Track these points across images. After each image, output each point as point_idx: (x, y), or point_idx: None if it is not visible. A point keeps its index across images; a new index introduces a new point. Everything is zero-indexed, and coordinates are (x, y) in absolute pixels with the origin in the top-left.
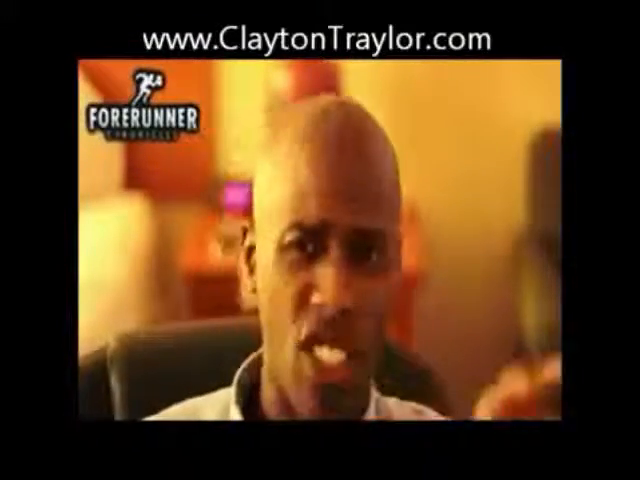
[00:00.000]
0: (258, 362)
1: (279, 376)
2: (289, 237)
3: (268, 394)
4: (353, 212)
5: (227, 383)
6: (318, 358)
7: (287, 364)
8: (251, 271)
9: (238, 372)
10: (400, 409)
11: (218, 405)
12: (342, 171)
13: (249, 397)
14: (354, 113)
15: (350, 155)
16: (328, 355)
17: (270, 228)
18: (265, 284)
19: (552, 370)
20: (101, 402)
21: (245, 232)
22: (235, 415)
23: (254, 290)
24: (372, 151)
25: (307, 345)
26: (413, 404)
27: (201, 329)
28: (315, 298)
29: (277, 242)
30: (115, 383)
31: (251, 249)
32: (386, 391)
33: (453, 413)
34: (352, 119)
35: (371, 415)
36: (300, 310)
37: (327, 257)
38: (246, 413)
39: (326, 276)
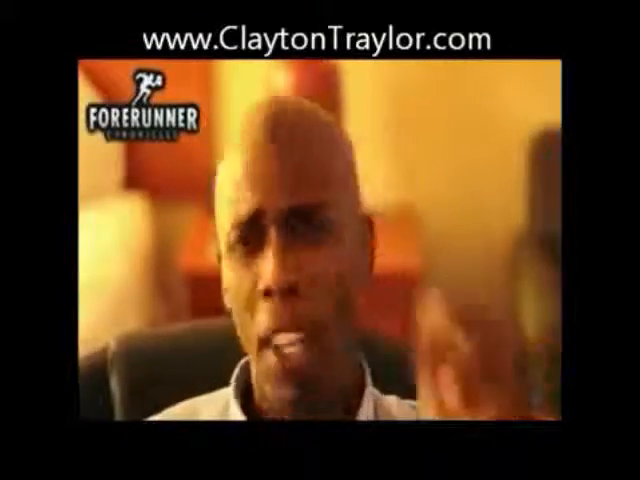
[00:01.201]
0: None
1: (257, 379)
2: (232, 236)
3: (257, 393)
4: (285, 192)
5: (227, 383)
6: (279, 347)
7: (256, 361)
8: (224, 286)
9: (236, 370)
10: (399, 407)
11: (218, 403)
12: (271, 157)
13: (246, 394)
14: (292, 110)
15: (279, 141)
16: (286, 339)
17: (221, 232)
18: (228, 289)
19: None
20: (102, 403)
21: (219, 258)
22: (235, 409)
23: (228, 301)
24: (303, 133)
25: (267, 337)
26: (412, 402)
27: (201, 329)
28: (260, 285)
29: (226, 246)
30: (115, 384)
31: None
32: (383, 387)
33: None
34: (283, 111)
35: (369, 412)
36: (255, 306)
37: (267, 243)
38: (245, 408)
39: (265, 261)
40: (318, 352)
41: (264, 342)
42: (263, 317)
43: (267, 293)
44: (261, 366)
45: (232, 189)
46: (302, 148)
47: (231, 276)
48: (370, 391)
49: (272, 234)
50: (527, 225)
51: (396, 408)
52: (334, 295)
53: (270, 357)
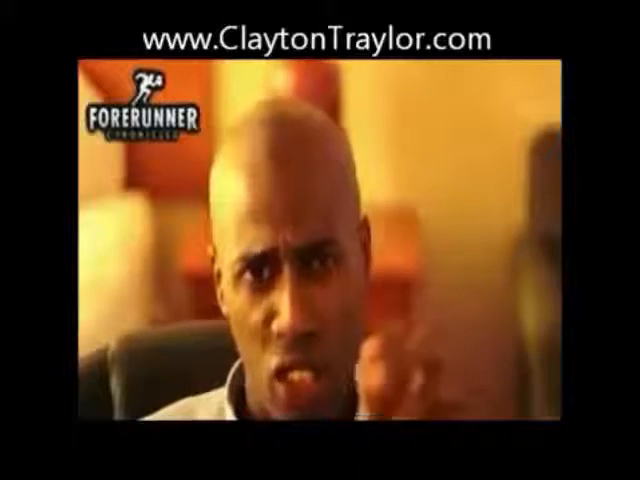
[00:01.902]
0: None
1: (257, 396)
2: (239, 268)
3: (251, 400)
4: (296, 229)
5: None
6: (290, 382)
7: (263, 390)
8: (222, 296)
9: (231, 372)
10: None
11: (213, 405)
12: (278, 186)
13: (241, 397)
14: (290, 123)
15: (286, 172)
16: (299, 378)
17: (224, 255)
18: (230, 311)
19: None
20: (102, 403)
21: (213, 259)
22: (229, 413)
23: (227, 316)
24: (311, 161)
25: (279, 374)
26: None
27: (201, 329)
28: (274, 326)
29: (231, 271)
30: (116, 384)
31: (219, 275)
32: None
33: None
34: (287, 131)
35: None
36: (266, 340)
37: (281, 279)
38: (239, 411)
39: (281, 301)
40: (329, 384)
41: (275, 377)
42: (275, 356)
43: (281, 336)
44: (269, 394)
45: (236, 219)
46: (307, 176)
47: (238, 308)
48: None
49: (286, 273)
50: (527, 225)
51: None
52: (344, 327)
53: (280, 389)
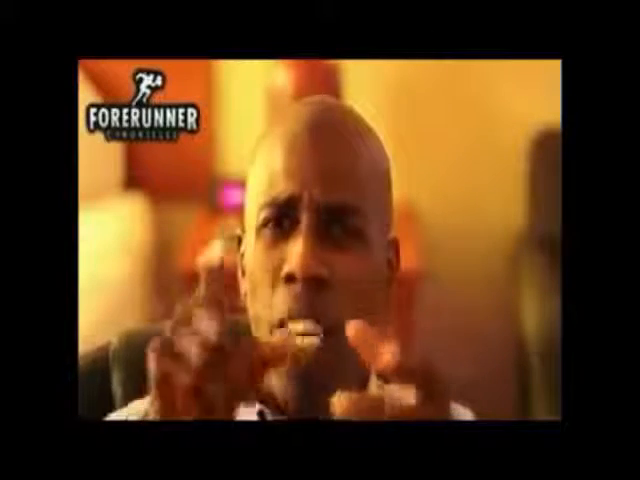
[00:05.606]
0: None
1: None
2: (263, 215)
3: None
4: (322, 186)
5: None
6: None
7: None
8: (243, 273)
9: None
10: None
11: None
12: (313, 151)
13: None
14: (334, 108)
15: (323, 139)
16: (302, 327)
17: (251, 216)
18: (248, 272)
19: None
20: (103, 400)
21: (240, 240)
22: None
23: (245, 294)
24: (347, 137)
25: (283, 322)
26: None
27: None
28: (284, 269)
29: (255, 225)
30: (117, 381)
31: (244, 255)
32: None
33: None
34: (330, 112)
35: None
36: (274, 287)
37: (298, 230)
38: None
39: (295, 246)
40: (333, 355)
41: (278, 327)
42: (281, 301)
43: (290, 278)
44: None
45: (267, 176)
46: (344, 151)
47: (255, 257)
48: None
49: (305, 223)
50: (527, 225)
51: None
52: (355, 301)
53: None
